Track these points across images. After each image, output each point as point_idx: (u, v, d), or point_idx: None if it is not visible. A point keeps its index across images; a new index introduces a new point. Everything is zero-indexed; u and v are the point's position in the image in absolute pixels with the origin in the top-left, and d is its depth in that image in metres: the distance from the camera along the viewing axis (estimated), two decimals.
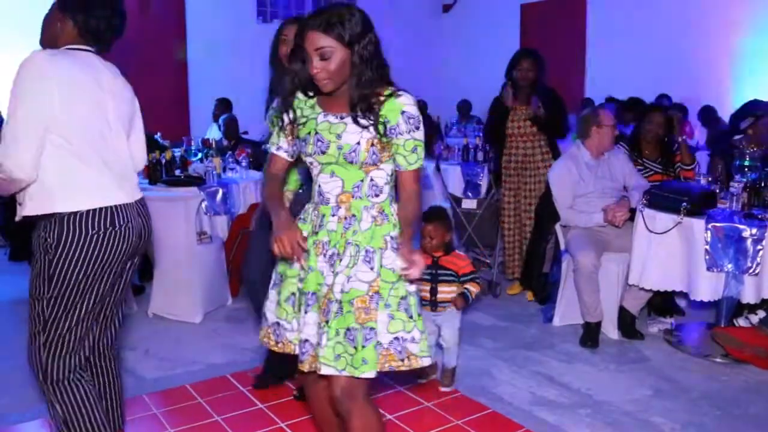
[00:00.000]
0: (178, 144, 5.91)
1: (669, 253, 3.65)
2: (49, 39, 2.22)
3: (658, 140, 4.44)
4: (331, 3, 2.05)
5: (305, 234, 2.08)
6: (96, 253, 2.11)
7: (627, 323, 3.98)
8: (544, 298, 4.50)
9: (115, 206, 2.16)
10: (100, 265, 2.14)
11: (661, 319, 4.17)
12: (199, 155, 5.31)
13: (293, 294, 2.11)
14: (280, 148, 2.15)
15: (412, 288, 2.09)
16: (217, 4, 9.21)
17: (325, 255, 2.05)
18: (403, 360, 2.03)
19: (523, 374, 3.50)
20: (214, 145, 5.76)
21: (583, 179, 4.08)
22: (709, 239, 3.45)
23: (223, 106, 7.60)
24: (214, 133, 7.13)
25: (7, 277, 5.33)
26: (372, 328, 1.99)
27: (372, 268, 2.01)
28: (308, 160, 2.09)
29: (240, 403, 3.17)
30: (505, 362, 3.62)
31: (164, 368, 3.59)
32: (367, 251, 2.02)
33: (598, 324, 3.91)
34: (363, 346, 1.98)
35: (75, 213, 2.08)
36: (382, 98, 2.01)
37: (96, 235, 2.10)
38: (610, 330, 3.98)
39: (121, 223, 2.16)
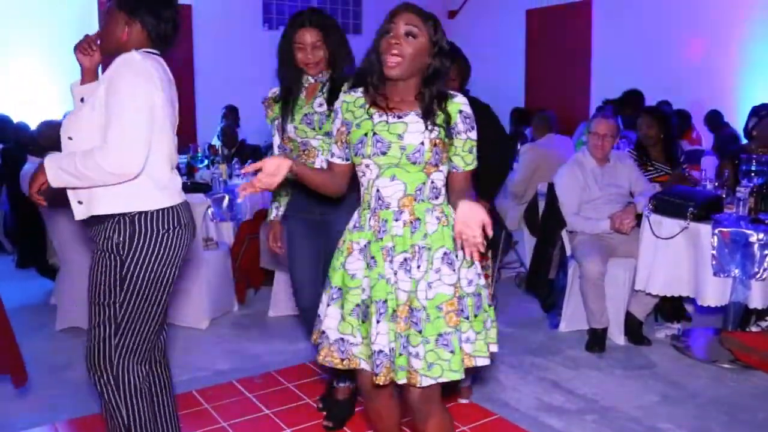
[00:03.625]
0: (184, 151, 5.94)
1: (675, 258, 3.65)
2: (115, 44, 2.16)
3: (657, 141, 4.43)
4: None
5: (365, 241, 2.04)
6: (166, 252, 2.13)
7: (634, 329, 3.97)
8: (550, 304, 4.49)
9: (179, 205, 2.19)
10: (169, 265, 2.15)
11: (668, 325, 4.16)
12: (206, 162, 5.34)
13: (358, 305, 2.04)
14: (333, 155, 2.14)
15: (483, 281, 2.09)
16: (223, 11, 9.25)
17: (392, 261, 1.99)
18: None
19: (529, 380, 3.49)
20: (220, 152, 5.78)
21: (589, 185, 4.07)
22: (715, 244, 3.44)
23: (230, 113, 7.63)
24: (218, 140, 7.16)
25: (16, 284, 5.35)
26: (458, 331, 1.98)
27: (454, 270, 1.99)
28: (364, 162, 2.02)
29: (246, 408, 3.18)
30: (511, 368, 3.61)
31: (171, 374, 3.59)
32: (445, 253, 2.00)
33: (605, 330, 3.90)
34: (460, 348, 1.98)
35: (144, 212, 2.09)
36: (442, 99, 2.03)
37: (166, 234, 2.12)
38: (617, 335, 3.97)
39: (184, 222, 2.19)
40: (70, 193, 2.15)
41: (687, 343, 3.96)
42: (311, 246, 2.88)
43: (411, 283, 1.97)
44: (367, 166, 2.02)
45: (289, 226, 2.94)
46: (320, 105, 2.76)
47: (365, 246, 2.04)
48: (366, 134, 2.01)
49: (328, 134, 2.70)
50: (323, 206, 2.67)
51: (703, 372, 3.59)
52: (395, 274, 1.99)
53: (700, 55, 7.76)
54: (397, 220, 2.01)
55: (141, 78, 2.03)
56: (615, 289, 3.94)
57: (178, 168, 4.58)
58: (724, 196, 3.79)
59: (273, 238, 3.03)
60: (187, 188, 4.42)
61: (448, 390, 2.99)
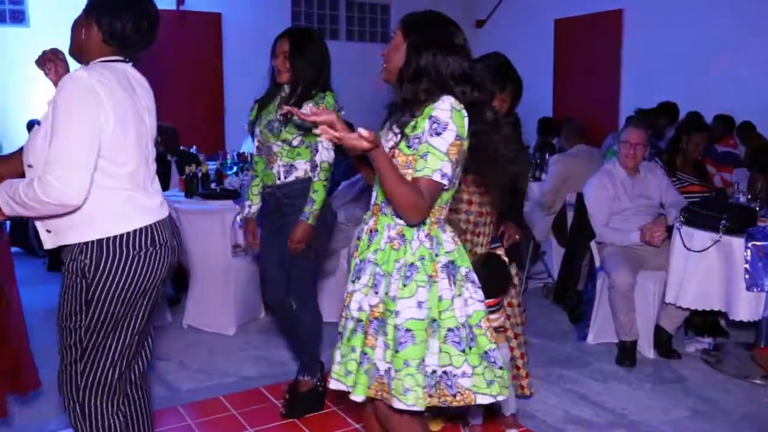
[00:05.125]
0: (214, 157, 5.99)
1: (707, 271, 3.60)
2: (78, 47, 2.06)
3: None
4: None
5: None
6: (137, 275, 1.97)
7: (663, 342, 3.92)
8: (578, 316, 4.45)
9: (154, 224, 2.03)
10: (140, 289, 2.00)
11: (698, 339, 4.09)
12: (235, 169, 5.38)
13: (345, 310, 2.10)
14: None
15: (465, 319, 1.95)
16: (253, 19, 9.32)
17: (357, 266, 2.04)
18: (454, 395, 1.92)
19: (556, 392, 3.46)
20: (249, 159, 5.82)
21: (619, 196, 4.03)
22: (749, 258, 3.39)
23: None
24: (248, 147, 7.21)
25: (46, 287, 5.42)
26: (367, 354, 1.94)
27: (377, 293, 1.95)
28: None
29: (273, 416, 3.18)
30: (538, 380, 3.58)
31: (198, 380, 3.62)
32: (377, 274, 1.96)
33: (634, 343, 3.85)
34: (358, 370, 1.96)
35: (115, 235, 1.95)
36: (425, 107, 1.90)
37: (137, 256, 1.97)
38: (646, 349, 3.92)
39: (161, 242, 2.04)
40: (37, 222, 2.01)
41: (718, 357, 3.90)
42: (278, 245, 3.07)
43: (368, 300, 1.98)
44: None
45: (261, 224, 3.21)
46: (281, 114, 2.95)
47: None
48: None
49: (286, 142, 2.94)
50: (286, 208, 2.99)
51: (735, 388, 3.53)
52: (353, 282, 2.04)
53: (727, 67, 7.66)
54: (366, 224, 2.05)
55: (83, 100, 1.86)
56: (644, 301, 3.89)
57: (205, 176, 4.66)
58: (758, 209, 3.73)
59: (249, 235, 3.27)
60: (216, 195, 4.50)
61: (491, 414, 2.99)
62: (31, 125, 7.23)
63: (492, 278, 2.56)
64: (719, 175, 5.90)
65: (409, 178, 1.88)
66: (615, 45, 9.05)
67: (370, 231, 2.02)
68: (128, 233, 1.97)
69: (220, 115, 9.21)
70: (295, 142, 2.96)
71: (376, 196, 2.04)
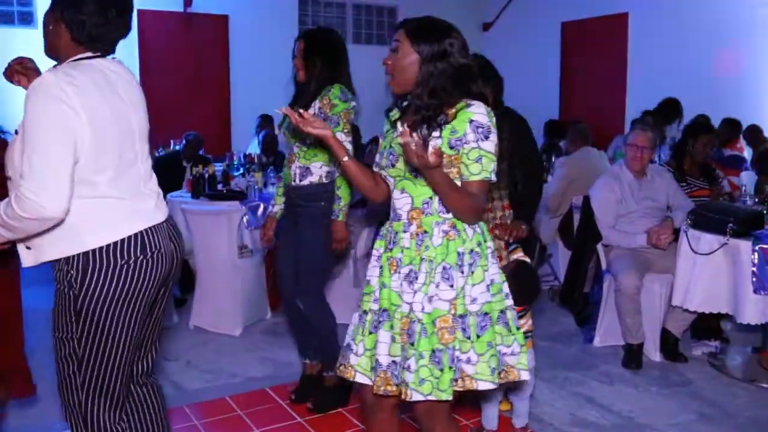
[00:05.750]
0: (221, 159, 6.01)
1: (714, 274, 3.59)
2: (50, 45, 1.96)
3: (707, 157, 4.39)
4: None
5: (380, 250, 2.10)
6: (126, 284, 1.87)
7: (670, 345, 3.91)
8: (584, 319, 4.44)
9: (146, 230, 1.92)
10: (131, 298, 1.89)
11: (705, 342, 4.08)
12: (241, 170, 5.39)
13: (366, 312, 2.09)
14: (377, 164, 2.15)
15: (510, 302, 2.08)
16: (259, 20, 9.34)
17: (399, 273, 2.02)
18: (500, 372, 2.00)
19: (562, 395, 3.45)
20: (256, 160, 5.84)
21: (626, 199, 4.03)
22: (756, 261, 3.38)
23: (265, 122, 7.71)
24: (255, 148, 7.23)
25: (51, 288, 5.44)
26: (454, 348, 1.95)
27: (452, 286, 1.96)
28: (382, 174, 2.10)
29: (279, 416, 3.19)
30: (544, 382, 3.57)
31: (205, 380, 3.63)
32: (444, 268, 1.97)
33: (640, 346, 3.84)
34: (450, 368, 1.94)
35: (101, 246, 1.84)
36: (452, 111, 1.97)
37: (125, 265, 1.86)
38: (652, 352, 3.91)
39: (153, 249, 1.92)
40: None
41: (725, 361, 3.89)
42: (291, 244, 3.18)
43: (411, 295, 1.99)
44: (385, 177, 2.09)
45: (279, 223, 3.31)
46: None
47: (380, 255, 2.10)
48: (386, 147, 2.10)
49: (302, 141, 3.01)
50: (299, 209, 3.09)
51: (741, 391, 3.52)
52: (400, 285, 2.01)
53: (734, 69, 7.63)
54: (405, 232, 2.03)
55: (51, 107, 1.74)
56: (651, 304, 3.89)
57: (212, 177, 4.67)
58: (765, 212, 3.72)
59: (263, 231, 3.40)
60: (222, 196, 4.51)
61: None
62: None
63: (522, 286, 2.60)
64: (726, 178, 5.88)
65: (452, 176, 1.97)
66: (621, 48, 9.04)
67: (417, 234, 2.02)
68: (115, 243, 1.85)
69: (227, 117, 9.23)
70: (309, 140, 3.00)
71: (411, 201, 2.03)
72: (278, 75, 9.83)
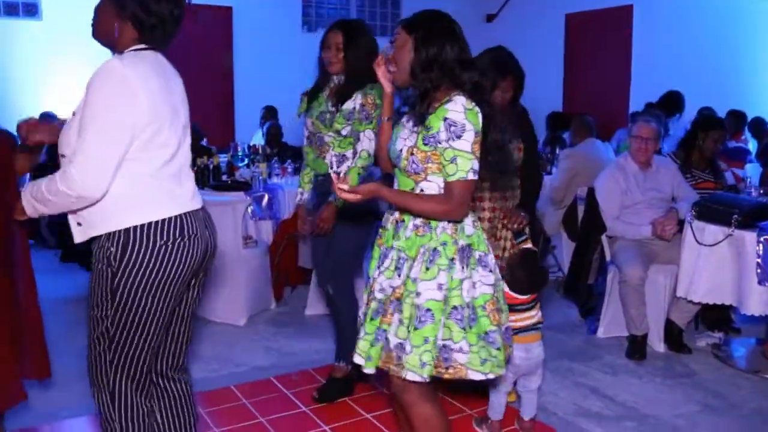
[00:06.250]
0: (225, 150, 6.01)
1: (718, 265, 3.59)
2: (106, 40, 2.02)
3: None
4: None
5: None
6: (163, 264, 1.94)
7: (674, 336, 3.91)
8: (588, 310, 4.45)
9: (184, 215, 1.99)
10: (167, 278, 1.96)
11: (709, 333, 4.09)
12: (246, 161, 5.39)
13: (368, 296, 2.23)
14: None
15: (482, 299, 2.08)
16: (263, 13, 9.34)
17: (385, 256, 2.16)
18: (447, 368, 2.04)
19: (566, 385, 3.46)
20: (260, 151, 5.84)
21: (631, 190, 4.03)
22: (761, 252, 3.38)
23: (270, 113, 7.71)
24: (259, 140, 7.24)
25: (59, 277, 5.47)
26: (384, 330, 2.09)
27: (399, 275, 2.09)
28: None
29: (284, 405, 3.21)
30: (548, 372, 3.56)
31: (209, 369, 3.64)
32: (401, 258, 2.09)
33: (644, 337, 3.85)
34: (371, 345, 2.12)
35: (143, 223, 1.93)
36: (437, 104, 2.03)
37: (164, 246, 1.94)
38: (656, 343, 3.92)
39: (190, 233, 1.99)
40: (69, 214, 1.99)
41: (729, 352, 3.90)
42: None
43: (378, 275, 2.15)
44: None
45: (312, 210, 3.26)
46: (333, 105, 3.05)
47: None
48: (393, 138, 2.19)
49: (338, 132, 3.02)
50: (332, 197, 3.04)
51: (745, 382, 3.53)
52: (378, 268, 2.16)
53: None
54: (391, 216, 2.18)
55: (115, 93, 1.84)
56: (655, 295, 3.89)
57: (217, 168, 4.68)
58: None
59: (299, 221, 3.39)
60: (227, 187, 4.52)
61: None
62: (44, 117, 7.31)
63: (530, 276, 2.62)
64: (731, 170, 5.88)
65: (431, 171, 2.03)
66: (625, 40, 9.02)
67: (396, 222, 2.14)
68: (155, 222, 1.93)
69: (230, 108, 9.23)
70: (344, 132, 3.03)
71: (398, 189, 2.15)
72: (282, 66, 9.89)
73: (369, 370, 2.12)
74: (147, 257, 1.92)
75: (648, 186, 4.04)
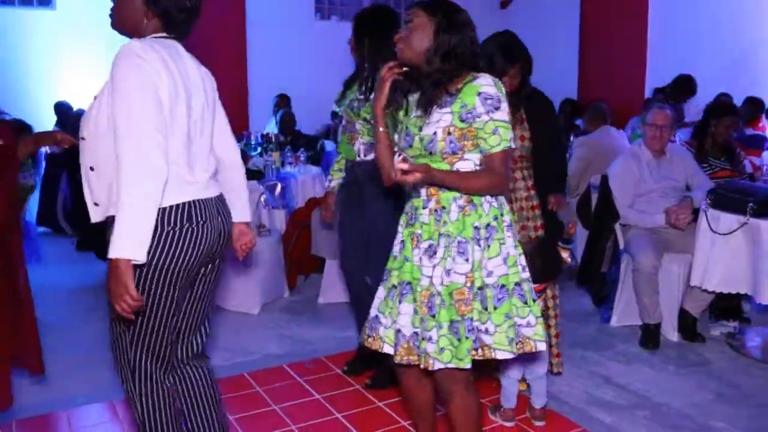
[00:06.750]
0: (238, 138, 6.02)
1: (733, 254, 3.56)
2: (130, 30, 2.04)
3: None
4: None
5: (403, 225, 2.18)
6: (172, 249, 1.97)
7: (688, 325, 3.89)
8: (601, 298, 4.44)
9: (194, 201, 2.01)
10: (175, 264, 1.98)
11: (723, 322, 4.06)
12: (259, 149, 5.41)
13: (394, 286, 2.17)
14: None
15: (526, 275, 2.13)
16: (276, 1, 9.33)
17: (419, 247, 2.10)
18: (517, 343, 2.06)
19: (579, 374, 3.46)
20: (273, 140, 5.86)
21: (645, 178, 4.00)
22: None
23: (283, 101, 7.72)
24: (272, 128, 7.25)
25: (75, 266, 5.54)
26: (471, 319, 2.03)
27: (467, 260, 2.04)
28: (402, 153, 2.14)
29: (297, 392, 3.23)
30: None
31: (223, 357, 3.67)
32: (459, 242, 2.05)
33: (658, 325, 3.83)
34: (466, 338, 2.02)
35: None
36: (459, 85, 2.05)
37: (172, 232, 1.96)
38: (670, 332, 3.90)
39: (199, 219, 2.01)
40: (86, 194, 2.04)
41: (743, 341, 3.87)
42: (358, 221, 3.22)
43: (431, 269, 2.06)
44: (405, 157, 2.11)
45: (342, 197, 3.34)
46: (362, 93, 3.09)
47: (403, 230, 2.20)
48: (403, 127, 2.16)
49: (366, 120, 3.05)
50: (366, 188, 3.12)
51: (760, 372, 3.51)
52: (420, 259, 2.09)
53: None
54: (424, 208, 2.11)
55: (138, 75, 1.86)
56: (669, 284, 3.87)
57: None
58: None
59: (324, 206, 3.44)
60: None
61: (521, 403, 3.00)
62: (58, 107, 7.37)
63: (545, 265, 2.63)
64: (748, 159, 5.81)
65: (467, 149, 2.05)
66: (641, 25, 8.92)
67: (435, 210, 2.09)
68: (163, 209, 1.94)
69: (244, 96, 9.24)
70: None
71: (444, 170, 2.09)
72: (296, 54, 9.87)
73: (467, 365, 2.02)
74: (157, 242, 1.94)
75: (662, 174, 4.01)
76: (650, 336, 3.80)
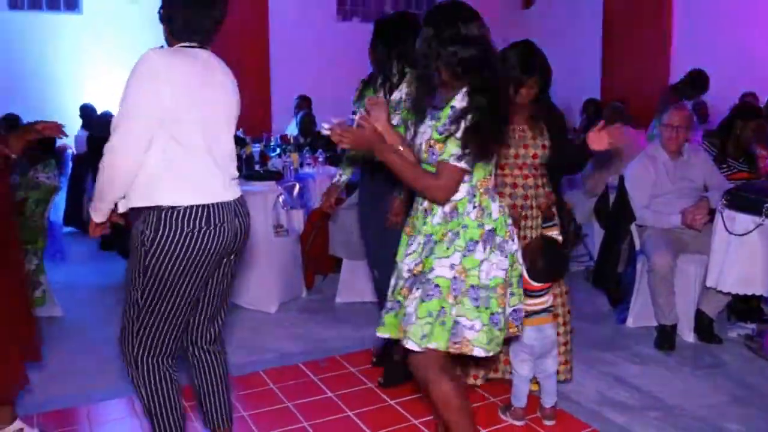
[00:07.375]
0: (257, 140, 6.10)
1: (749, 255, 3.53)
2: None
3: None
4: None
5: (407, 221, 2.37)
6: (188, 251, 2.14)
7: (704, 326, 3.87)
8: (617, 299, 4.42)
9: (214, 204, 2.18)
10: (191, 263, 2.16)
11: (741, 324, 4.03)
12: (278, 151, 5.47)
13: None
14: None
15: (488, 282, 2.17)
16: (298, 1, 9.40)
17: (411, 243, 2.28)
18: (455, 342, 2.16)
19: (592, 374, 3.45)
20: (292, 141, 5.92)
21: (661, 179, 3.98)
22: None
23: (304, 102, 7.78)
24: (292, 129, 7.32)
25: (98, 265, 5.65)
26: (398, 301, 2.25)
27: (427, 257, 2.20)
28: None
29: (311, 391, 3.27)
30: (575, 361, 3.56)
31: (239, 354, 3.72)
32: (428, 241, 2.21)
33: (673, 327, 3.81)
34: (388, 314, 2.30)
35: (174, 209, 2.12)
36: (449, 96, 2.15)
37: (191, 234, 2.13)
38: (686, 333, 3.88)
39: (217, 222, 2.18)
40: None
41: (761, 343, 3.83)
42: (375, 218, 3.26)
43: (405, 257, 2.27)
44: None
45: (359, 193, 3.46)
46: (382, 96, 3.12)
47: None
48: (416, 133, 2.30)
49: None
50: (381, 187, 3.13)
51: None
52: (408, 254, 2.27)
53: None
54: (420, 206, 2.27)
55: (142, 74, 2.06)
56: (685, 285, 3.85)
57: (249, 158, 4.76)
58: None
59: (325, 196, 3.47)
60: (259, 176, 4.60)
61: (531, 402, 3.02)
62: (83, 109, 7.50)
63: (550, 265, 2.64)
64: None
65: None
66: (665, 24, 8.83)
67: (425, 210, 2.24)
68: (184, 209, 2.13)
69: (267, 98, 9.32)
70: (394, 122, 3.02)
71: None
72: (318, 55, 9.90)
73: (383, 334, 2.30)
74: (175, 241, 2.13)
75: (678, 175, 3.99)
76: (666, 337, 3.79)
